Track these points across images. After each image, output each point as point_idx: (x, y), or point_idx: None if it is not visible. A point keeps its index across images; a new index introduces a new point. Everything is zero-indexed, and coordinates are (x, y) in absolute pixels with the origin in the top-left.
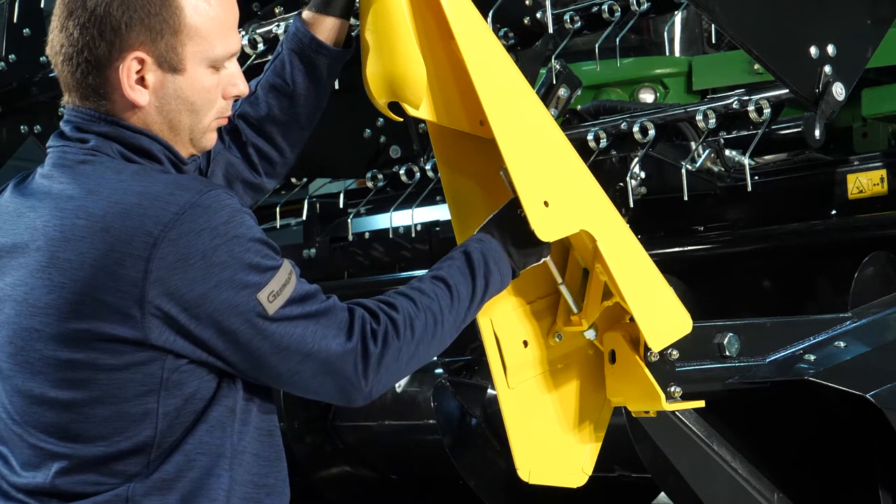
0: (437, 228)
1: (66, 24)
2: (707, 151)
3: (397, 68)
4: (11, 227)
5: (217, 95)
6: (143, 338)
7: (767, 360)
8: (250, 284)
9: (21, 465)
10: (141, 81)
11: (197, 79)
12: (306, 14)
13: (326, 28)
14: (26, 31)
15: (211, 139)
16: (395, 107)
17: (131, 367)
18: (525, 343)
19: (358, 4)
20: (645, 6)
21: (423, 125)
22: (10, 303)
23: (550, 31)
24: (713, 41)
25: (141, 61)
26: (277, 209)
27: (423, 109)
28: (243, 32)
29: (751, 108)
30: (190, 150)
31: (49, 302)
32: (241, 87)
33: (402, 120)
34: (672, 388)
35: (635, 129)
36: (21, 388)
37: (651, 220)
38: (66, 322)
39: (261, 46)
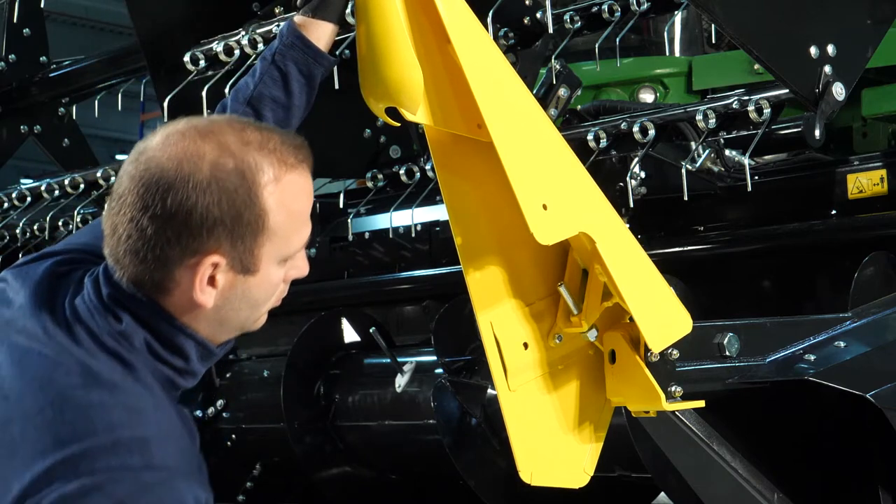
0: (437, 228)
1: (137, 217)
2: (707, 151)
3: (394, 73)
4: (14, 343)
5: (280, 284)
6: None
7: (767, 360)
8: None
9: None
10: (211, 281)
11: (267, 277)
12: (299, 18)
13: (320, 33)
14: (26, 31)
15: (261, 322)
16: (393, 111)
17: None
18: (525, 345)
19: (353, 9)
20: (645, 6)
21: (421, 126)
22: None
23: (550, 31)
24: (713, 41)
25: (216, 265)
26: None
27: (420, 114)
28: (243, 32)
29: (751, 108)
30: (231, 336)
31: None
32: (303, 270)
33: (399, 125)
34: (672, 388)
35: (635, 129)
36: None
37: (651, 220)
38: None
39: (261, 46)
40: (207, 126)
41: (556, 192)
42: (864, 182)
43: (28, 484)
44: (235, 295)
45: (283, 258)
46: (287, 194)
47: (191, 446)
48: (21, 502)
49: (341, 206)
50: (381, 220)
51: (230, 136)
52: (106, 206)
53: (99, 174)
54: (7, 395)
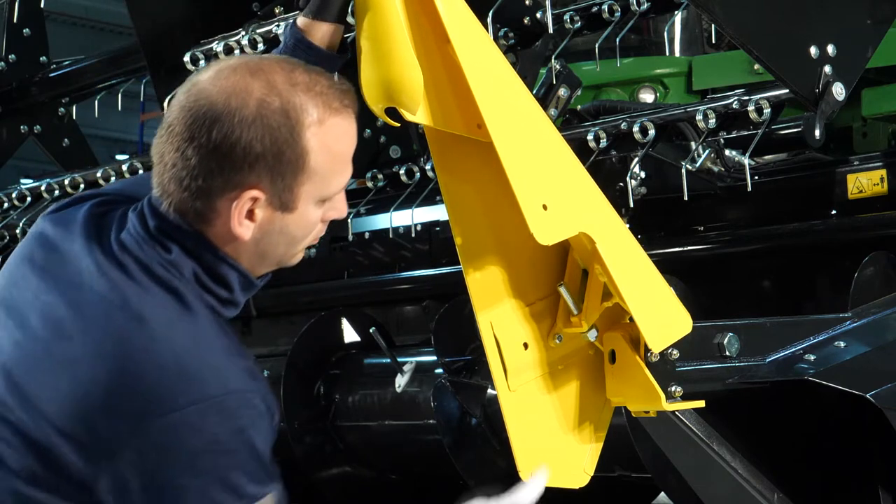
0: (437, 228)
1: (183, 147)
2: (707, 151)
3: (393, 73)
4: (68, 281)
5: (318, 223)
6: (93, 482)
7: (767, 360)
8: (216, 502)
9: None
10: (249, 214)
11: (305, 215)
12: (301, 21)
13: (322, 34)
14: (26, 31)
15: (298, 258)
16: (393, 111)
17: (66, 497)
18: (525, 345)
19: (353, 9)
20: (645, 6)
21: (421, 126)
22: (14, 349)
23: (550, 31)
24: (713, 41)
25: (255, 199)
26: None
27: (420, 114)
28: (243, 32)
29: (751, 108)
30: (270, 269)
31: (41, 395)
32: (342, 212)
33: (399, 125)
34: (672, 388)
35: (635, 129)
36: None
37: (651, 220)
38: (44, 424)
39: (261, 46)
40: (258, 64)
41: (556, 192)
42: (864, 182)
43: (116, 426)
44: (273, 230)
45: (322, 199)
46: (329, 137)
47: (250, 362)
48: (113, 444)
49: None
50: (381, 220)
51: (279, 75)
52: (157, 133)
53: (99, 174)
54: (71, 335)
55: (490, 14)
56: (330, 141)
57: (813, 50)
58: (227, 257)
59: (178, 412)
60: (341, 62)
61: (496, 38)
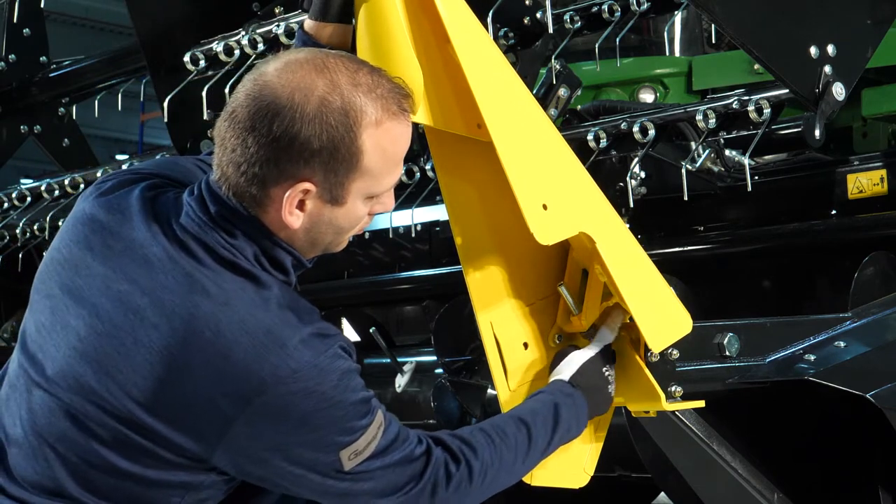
0: (437, 228)
1: (244, 135)
2: (707, 151)
3: (394, 73)
4: (138, 269)
5: (364, 216)
6: (207, 458)
7: (767, 360)
8: (336, 443)
9: (21, 477)
10: (300, 205)
11: (353, 210)
12: (307, 24)
13: (330, 35)
14: (26, 31)
15: (343, 245)
16: None
17: (175, 469)
18: (525, 345)
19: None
20: (645, 6)
21: (421, 126)
22: (95, 337)
23: (550, 31)
24: (713, 41)
25: (306, 191)
26: None
27: (420, 114)
28: (243, 32)
29: (751, 108)
30: (318, 253)
31: (134, 382)
32: (388, 206)
33: None
34: (672, 388)
35: (635, 129)
36: (53, 411)
37: (651, 220)
38: (141, 411)
39: (261, 46)
40: (324, 61)
41: (556, 192)
42: (864, 182)
43: (225, 406)
44: (322, 221)
45: (371, 195)
46: (385, 139)
47: (319, 317)
48: (224, 424)
49: None
50: (381, 220)
51: (343, 75)
52: (220, 116)
53: (99, 174)
54: (155, 323)
55: (490, 14)
56: (385, 143)
57: (813, 50)
58: (282, 242)
59: (283, 384)
60: None
61: (496, 38)
